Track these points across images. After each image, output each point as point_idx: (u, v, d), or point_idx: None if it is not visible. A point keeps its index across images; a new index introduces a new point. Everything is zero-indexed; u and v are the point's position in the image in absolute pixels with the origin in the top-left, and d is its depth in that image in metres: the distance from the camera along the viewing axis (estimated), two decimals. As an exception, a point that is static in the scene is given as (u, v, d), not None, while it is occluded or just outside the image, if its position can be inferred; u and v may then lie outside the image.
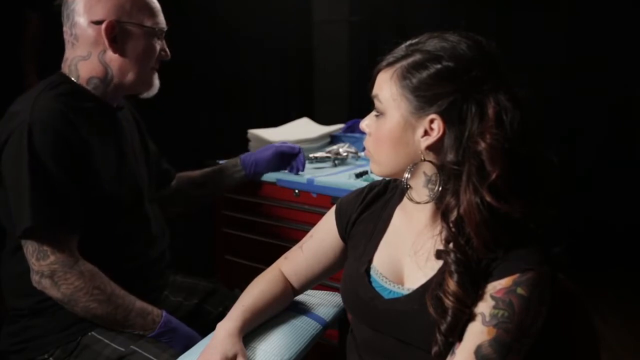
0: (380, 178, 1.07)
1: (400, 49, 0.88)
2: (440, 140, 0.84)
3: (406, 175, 0.88)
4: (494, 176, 0.78)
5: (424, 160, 0.86)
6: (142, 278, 1.27)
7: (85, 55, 1.21)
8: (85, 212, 1.15)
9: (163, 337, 1.18)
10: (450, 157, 0.82)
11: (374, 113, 0.91)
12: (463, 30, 0.87)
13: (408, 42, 0.89)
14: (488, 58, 0.85)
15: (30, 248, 1.12)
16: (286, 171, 1.67)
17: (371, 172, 1.02)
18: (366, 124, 0.93)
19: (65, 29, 1.22)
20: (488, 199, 0.78)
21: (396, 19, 3.34)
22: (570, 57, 3.00)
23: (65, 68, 1.23)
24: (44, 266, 1.11)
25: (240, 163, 1.57)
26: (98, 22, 1.18)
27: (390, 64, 0.88)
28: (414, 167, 0.87)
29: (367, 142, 0.93)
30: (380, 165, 0.92)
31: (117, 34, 1.19)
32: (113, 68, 1.21)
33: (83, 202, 1.15)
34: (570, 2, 2.99)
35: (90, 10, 1.18)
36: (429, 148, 0.85)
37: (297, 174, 1.67)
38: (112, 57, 1.21)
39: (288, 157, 1.63)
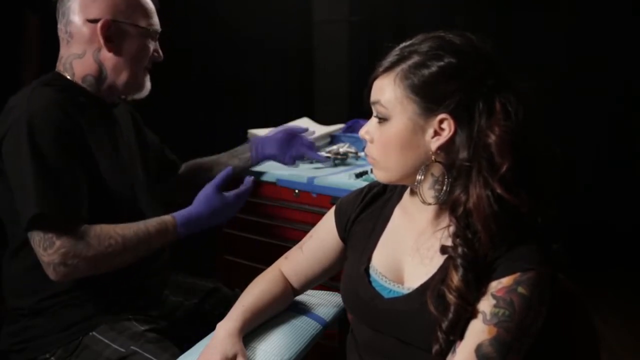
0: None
1: (395, 53, 0.87)
2: (451, 139, 0.84)
3: (419, 177, 0.87)
4: (504, 168, 0.79)
5: (435, 161, 0.85)
6: (140, 276, 1.27)
7: (80, 54, 1.21)
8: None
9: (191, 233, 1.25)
10: (463, 154, 0.82)
11: (374, 119, 0.90)
12: (460, 30, 0.87)
13: (401, 45, 0.88)
14: (486, 54, 0.85)
15: (36, 239, 1.10)
16: (291, 162, 1.62)
17: (371, 172, 1.02)
18: (366, 130, 0.91)
19: (60, 26, 1.23)
20: (499, 190, 0.78)
21: (396, 19, 3.33)
22: (570, 57, 3.00)
23: (60, 66, 1.24)
24: (53, 254, 1.09)
25: (249, 145, 1.59)
26: (93, 21, 1.19)
27: (387, 69, 0.87)
28: (425, 168, 0.86)
29: (370, 149, 0.91)
30: (388, 171, 0.90)
31: (112, 33, 1.20)
32: (107, 67, 1.22)
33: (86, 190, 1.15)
34: (570, 2, 2.99)
35: (86, 8, 1.19)
36: (440, 148, 0.85)
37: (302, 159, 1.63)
38: (106, 55, 1.21)
39: (297, 141, 1.60)
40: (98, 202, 1.18)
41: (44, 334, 1.19)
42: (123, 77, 1.24)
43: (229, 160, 1.58)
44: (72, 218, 1.11)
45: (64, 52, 1.23)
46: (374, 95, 0.89)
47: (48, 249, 1.09)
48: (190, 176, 1.57)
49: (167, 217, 1.22)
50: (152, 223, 1.20)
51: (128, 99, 1.33)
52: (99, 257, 1.11)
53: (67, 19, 1.21)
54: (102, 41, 1.20)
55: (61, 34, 1.23)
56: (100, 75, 1.23)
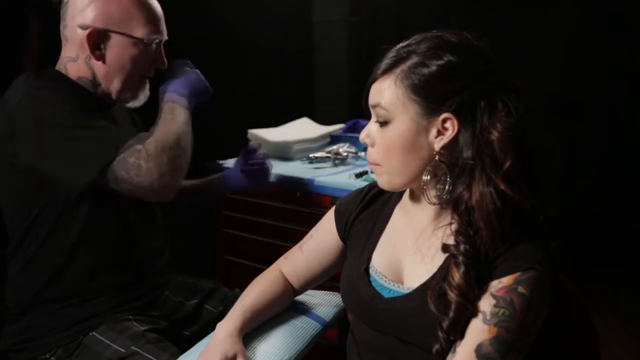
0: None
1: (392, 55, 0.87)
2: (454, 138, 0.83)
3: (425, 178, 0.86)
4: (507, 165, 0.79)
5: (440, 160, 0.85)
6: (140, 276, 1.27)
7: (74, 57, 1.21)
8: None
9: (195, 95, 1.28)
10: (467, 153, 0.82)
11: (374, 123, 0.89)
12: (458, 30, 0.87)
13: (398, 46, 0.87)
14: (485, 53, 0.85)
15: (126, 180, 1.07)
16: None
17: (371, 173, 1.02)
18: (366, 134, 0.90)
19: (60, 27, 1.23)
20: (502, 187, 0.79)
21: (396, 19, 3.34)
22: (570, 57, 3.00)
23: (58, 66, 1.24)
24: (148, 172, 1.07)
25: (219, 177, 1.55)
26: (85, 28, 1.18)
27: (386, 71, 0.86)
28: (431, 168, 0.86)
29: (372, 153, 0.90)
30: (392, 174, 0.89)
31: (100, 42, 1.19)
32: (98, 74, 1.21)
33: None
34: (570, 2, 2.99)
35: (80, 14, 1.18)
36: (444, 148, 0.84)
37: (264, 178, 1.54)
38: (96, 63, 1.20)
39: (256, 168, 1.53)
40: (96, 198, 1.17)
41: (44, 333, 1.19)
42: (115, 85, 1.22)
43: (212, 188, 1.54)
44: (127, 147, 1.10)
45: (63, 53, 1.24)
46: (374, 98, 0.88)
47: (141, 173, 1.06)
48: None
49: (166, 102, 1.20)
50: (164, 111, 1.18)
51: (127, 105, 1.31)
52: (172, 146, 1.09)
53: (65, 22, 1.21)
54: (88, 50, 1.18)
55: (61, 35, 1.23)
56: (94, 80, 1.22)
